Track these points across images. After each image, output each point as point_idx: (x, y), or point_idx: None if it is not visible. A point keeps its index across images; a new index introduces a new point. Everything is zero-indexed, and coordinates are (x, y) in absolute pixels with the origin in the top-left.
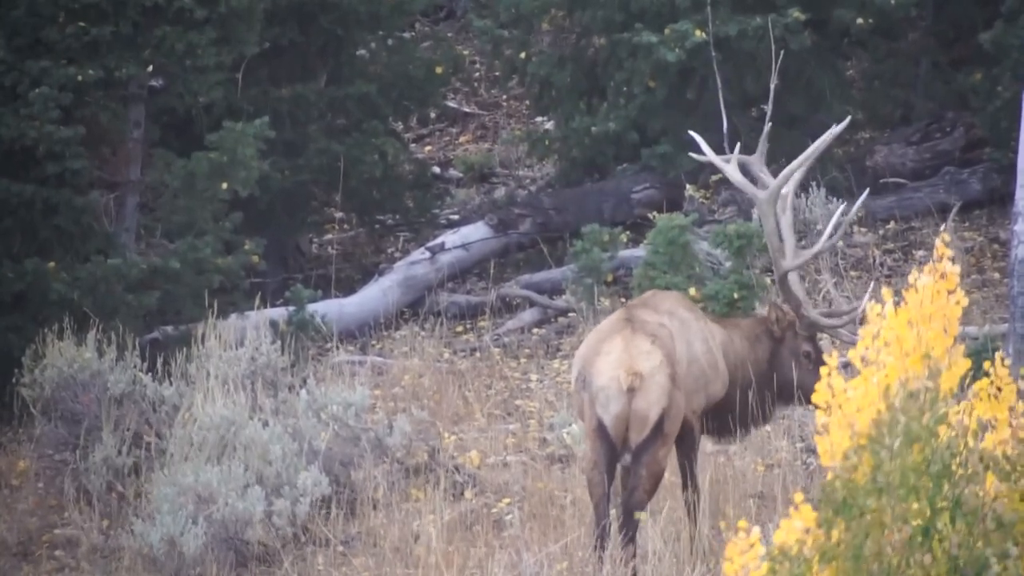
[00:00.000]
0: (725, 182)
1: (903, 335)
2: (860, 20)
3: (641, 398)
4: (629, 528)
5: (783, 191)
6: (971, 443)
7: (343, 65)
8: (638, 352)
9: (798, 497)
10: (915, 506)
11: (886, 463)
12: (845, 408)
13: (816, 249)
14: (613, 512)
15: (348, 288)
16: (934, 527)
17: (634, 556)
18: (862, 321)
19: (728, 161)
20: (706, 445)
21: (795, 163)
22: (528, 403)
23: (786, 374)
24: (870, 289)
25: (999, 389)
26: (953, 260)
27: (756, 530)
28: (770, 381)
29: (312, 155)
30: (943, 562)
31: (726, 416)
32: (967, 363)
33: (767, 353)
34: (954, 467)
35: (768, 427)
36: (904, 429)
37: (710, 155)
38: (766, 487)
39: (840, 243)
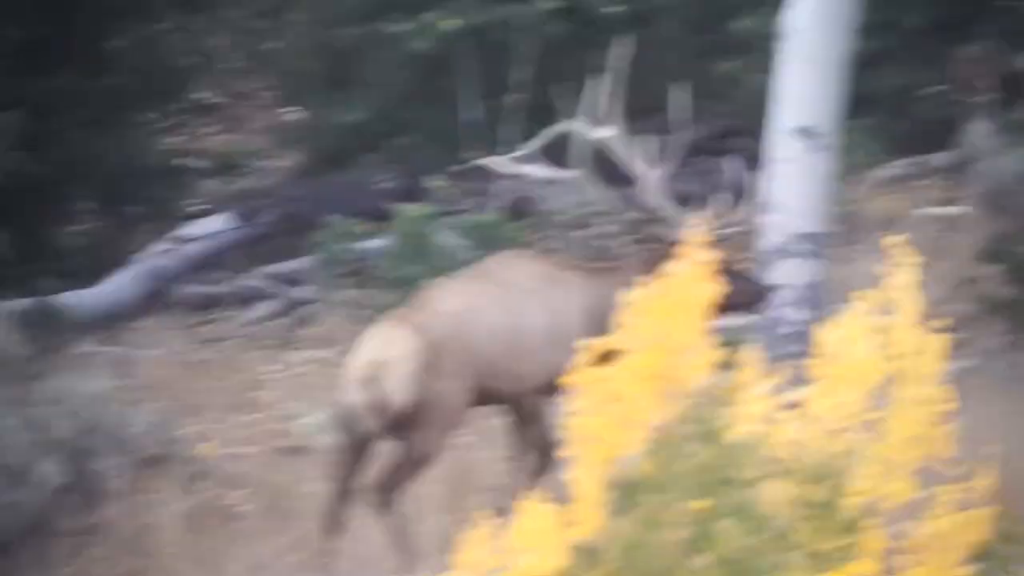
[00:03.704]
0: (468, 173)
1: (653, 324)
2: (614, 8)
3: (383, 387)
4: (384, 506)
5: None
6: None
7: (92, 56)
8: (386, 341)
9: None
10: (698, 506)
11: (678, 460)
12: (599, 392)
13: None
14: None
15: (93, 279)
16: (713, 529)
17: (394, 531)
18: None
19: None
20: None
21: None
22: (266, 394)
23: None
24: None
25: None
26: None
27: (486, 523)
28: None
29: (60, 146)
30: (720, 567)
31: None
32: (718, 354)
33: None
34: (736, 470)
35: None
36: (696, 427)
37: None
38: (502, 480)
39: (587, 233)
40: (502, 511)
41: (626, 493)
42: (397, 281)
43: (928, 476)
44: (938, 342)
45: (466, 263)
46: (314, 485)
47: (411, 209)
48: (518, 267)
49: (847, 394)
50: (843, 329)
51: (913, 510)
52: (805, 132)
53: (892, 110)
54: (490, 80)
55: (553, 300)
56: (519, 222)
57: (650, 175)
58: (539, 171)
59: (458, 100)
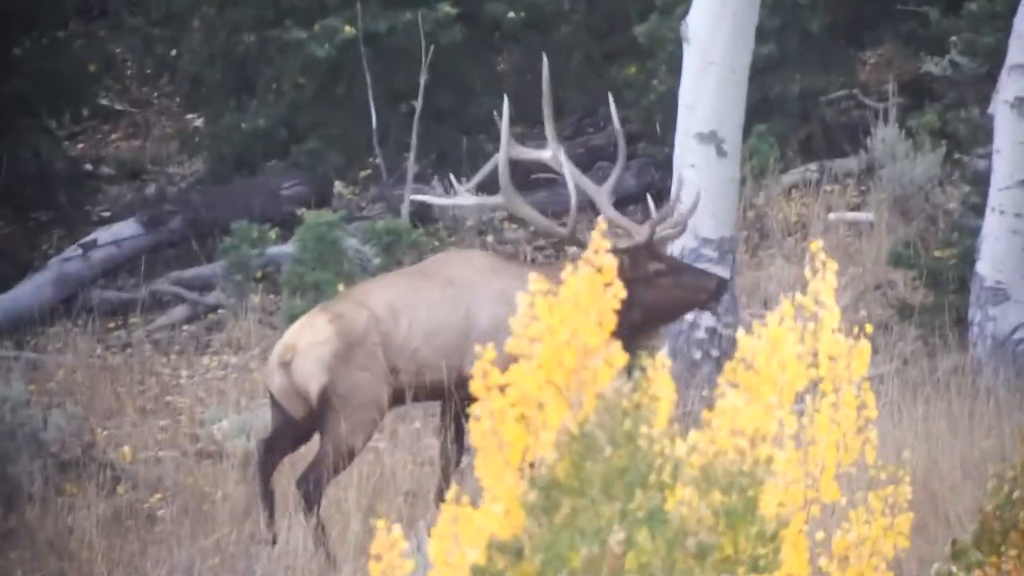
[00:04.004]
0: (373, 179)
1: (556, 328)
2: (512, 13)
3: (296, 372)
4: (307, 498)
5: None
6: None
7: None
8: (304, 328)
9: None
10: (611, 512)
11: (593, 464)
12: (505, 398)
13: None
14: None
15: (1, 285)
16: (631, 538)
17: (316, 527)
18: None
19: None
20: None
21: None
22: (179, 399)
23: (648, 302)
24: (675, 185)
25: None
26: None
27: (398, 528)
28: (626, 323)
29: None
30: (638, 573)
31: None
32: (625, 357)
33: None
34: (648, 475)
35: (418, 424)
36: (610, 431)
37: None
38: (417, 485)
39: (490, 239)
40: (417, 514)
41: (545, 494)
42: (304, 286)
43: (850, 482)
44: (860, 348)
45: (371, 269)
46: (230, 489)
47: (317, 215)
48: (460, 262)
49: (768, 399)
50: (765, 334)
51: (838, 516)
52: (708, 137)
53: (797, 115)
54: (390, 86)
55: (493, 294)
56: (424, 228)
57: (600, 192)
58: (471, 200)
59: (360, 106)
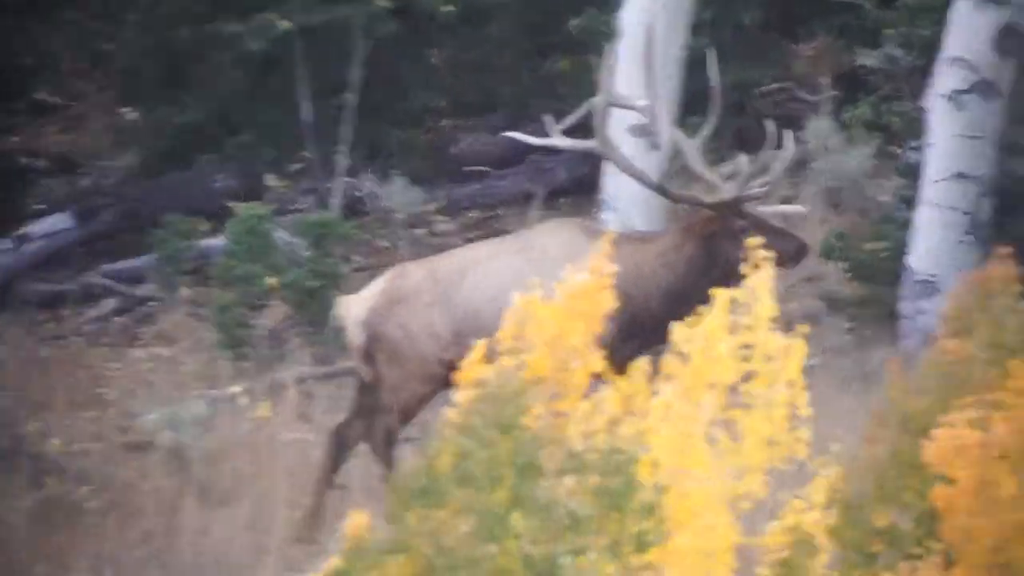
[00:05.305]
0: (305, 172)
1: (546, 328)
2: (446, 7)
3: (347, 326)
4: (380, 455)
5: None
6: (562, 435)
7: None
8: (365, 289)
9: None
10: (496, 498)
11: (475, 452)
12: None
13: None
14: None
15: None
16: (506, 520)
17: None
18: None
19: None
20: (283, 435)
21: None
22: (109, 391)
23: (731, 259)
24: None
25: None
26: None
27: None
28: (707, 279)
29: None
30: (515, 557)
31: (638, 340)
32: (602, 363)
33: (699, 256)
34: (530, 461)
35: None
36: (493, 419)
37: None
38: (345, 478)
39: (421, 231)
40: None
41: (423, 488)
42: (235, 279)
43: (781, 476)
44: (794, 343)
45: (302, 262)
46: (159, 481)
47: (248, 208)
48: (548, 230)
49: (702, 394)
50: (700, 328)
51: (771, 510)
52: (639, 130)
53: (731, 108)
54: (324, 80)
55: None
56: (354, 221)
57: (691, 145)
58: (566, 143)
59: (294, 100)
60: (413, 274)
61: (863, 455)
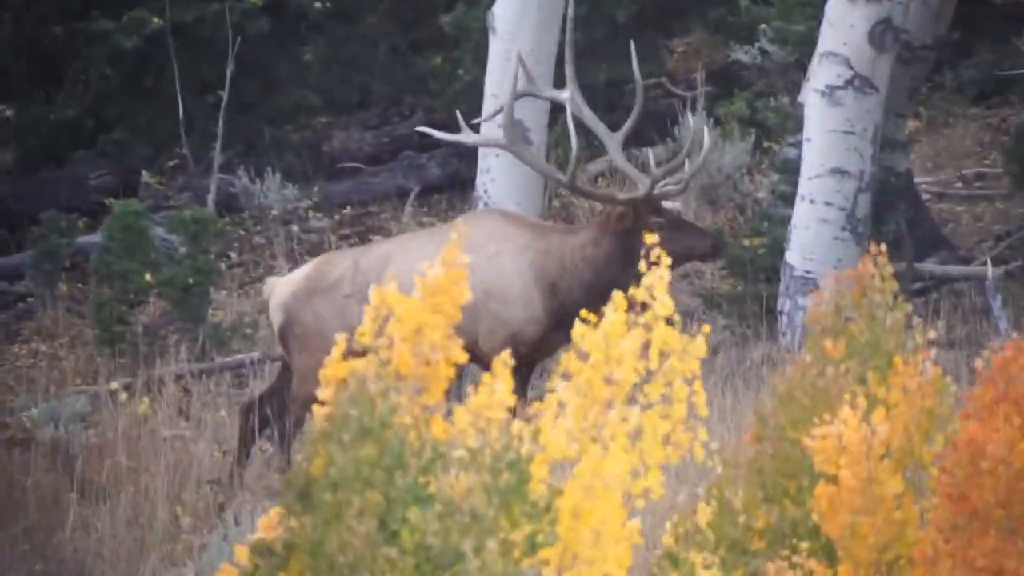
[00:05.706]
0: (180, 169)
1: (406, 323)
2: (318, 4)
3: (269, 307)
4: (281, 434)
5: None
6: (430, 433)
7: None
8: (294, 272)
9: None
10: (373, 499)
11: (339, 456)
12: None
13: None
14: None
15: None
16: (393, 519)
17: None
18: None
19: None
20: (163, 431)
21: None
22: None
23: None
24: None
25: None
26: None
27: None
28: (626, 274)
29: None
30: (413, 554)
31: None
32: (464, 355)
33: (615, 251)
34: (408, 458)
35: (224, 413)
36: (356, 422)
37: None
38: (223, 473)
39: (296, 228)
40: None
41: (302, 491)
42: (112, 275)
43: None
44: (693, 342)
45: (178, 258)
46: (39, 477)
47: (124, 204)
48: (474, 220)
49: (603, 391)
50: (601, 327)
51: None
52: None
53: (604, 104)
54: (198, 77)
55: (485, 259)
56: (229, 217)
57: (613, 138)
58: (473, 138)
59: (168, 97)
60: (338, 264)
61: (744, 455)
